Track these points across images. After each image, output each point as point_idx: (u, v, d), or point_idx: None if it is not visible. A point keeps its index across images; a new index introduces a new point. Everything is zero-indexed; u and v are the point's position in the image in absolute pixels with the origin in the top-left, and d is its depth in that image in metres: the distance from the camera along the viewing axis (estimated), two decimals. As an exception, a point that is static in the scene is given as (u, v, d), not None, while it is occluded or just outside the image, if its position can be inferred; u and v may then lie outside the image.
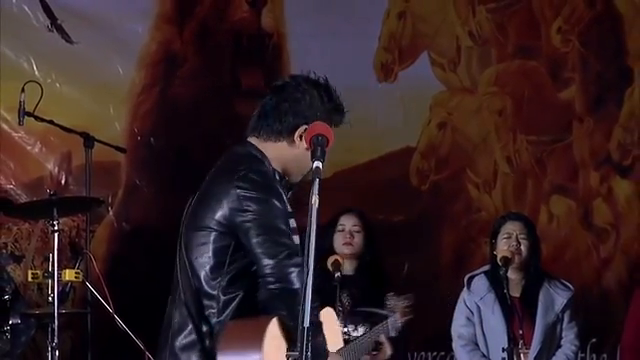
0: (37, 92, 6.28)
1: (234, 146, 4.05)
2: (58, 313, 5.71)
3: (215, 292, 3.81)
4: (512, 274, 5.98)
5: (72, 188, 6.87)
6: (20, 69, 6.81)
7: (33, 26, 6.92)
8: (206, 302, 3.83)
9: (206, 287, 3.83)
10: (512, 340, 5.74)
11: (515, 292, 5.96)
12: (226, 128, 7.33)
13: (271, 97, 3.99)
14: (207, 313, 3.82)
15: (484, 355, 5.95)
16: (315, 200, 3.47)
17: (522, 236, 6.01)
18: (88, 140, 6.42)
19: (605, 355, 7.47)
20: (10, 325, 5.71)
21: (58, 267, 5.80)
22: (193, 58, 7.26)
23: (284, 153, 3.95)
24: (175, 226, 7.16)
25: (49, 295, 5.83)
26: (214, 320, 3.80)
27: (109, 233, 7.04)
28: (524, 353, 5.86)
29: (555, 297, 6.00)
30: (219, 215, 3.83)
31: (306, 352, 3.36)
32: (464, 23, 7.78)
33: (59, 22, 6.95)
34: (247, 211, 3.76)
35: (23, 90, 6.24)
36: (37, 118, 6.31)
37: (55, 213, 5.80)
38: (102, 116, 7.02)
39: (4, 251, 6.74)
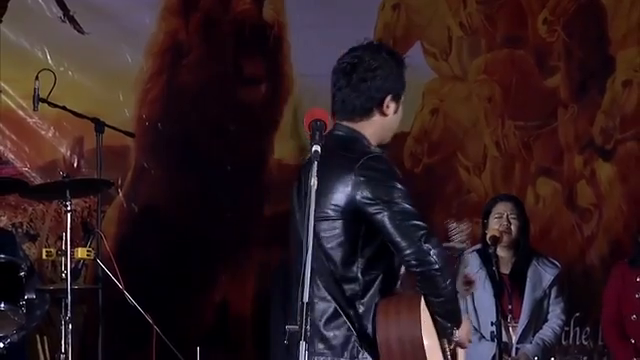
0: (51, 80, 6.25)
1: (334, 132, 3.91)
2: (71, 289, 5.70)
3: (354, 275, 3.77)
4: (502, 252, 5.97)
5: (84, 171, 6.85)
6: (34, 58, 6.78)
7: (47, 17, 6.89)
8: (346, 286, 3.77)
9: (344, 271, 3.78)
10: (501, 314, 5.74)
11: (505, 269, 5.96)
12: (229, 114, 7.31)
13: (345, 78, 3.92)
14: (349, 295, 3.78)
15: (475, 328, 5.94)
16: (314, 182, 3.45)
17: (512, 216, 6.01)
18: (99, 125, 6.40)
19: (588, 328, 7.47)
20: (26, 300, 5.70)
21: (71, 245, 5.79)
22: (198, 47, 7.23)
23: (378, 126, 3.92)
24: (181, 206, 7.21)
25: (62, 272, 5.82)
26: (357, 302, 3.77)
27: (119, 213, 7.02)
28: (512, 327, 5.87)
29: (543, 274, 5.99)
30: (345, 203, 3.75)
31: (305, 326, 3.34)
32: (455, 14, 7.76)
33: (71, 13, 6.92)
34: (377, 199, 3.71)
35: (37, 78, 6.22)
36: (51, 104, 6.29)
37: (68, 194, 5.79)
38: (112, 102, 6.99)
39: (20, 230, 6.73)
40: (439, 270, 3.69)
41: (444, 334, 3.82)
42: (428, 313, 3.76)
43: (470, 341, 3.97)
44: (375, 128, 3.91)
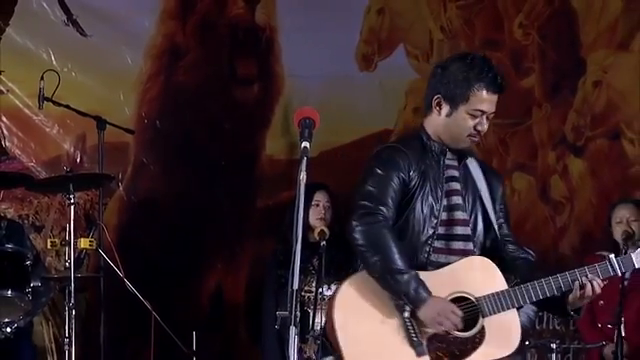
0: (55, 80, 6.26)
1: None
2: (74, 277, 5.69)
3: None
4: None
5: (86, 166, 6.85)
6: (40, 59, 6.77)
7: (51, 21, 6.87)
8: None
9: None
10: (479, 301, 5.73)
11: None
12: (224, 112, 7.31)
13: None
14: None
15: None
16: (303, 176, 3.46)
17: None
18: (100, 123, 6.40)
19: (560, 314, 7.48)
20: (32, 287, 5.69)
21: (74, 236, 5.79)
22: (194, 49, 7.22)
23: (433, 123, 4.02)
24: (178, 199, 7.20)
25: (66, 261, 5.82)
26: None
27: (119, 206, 7.01)
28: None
29: (518, 263, 5.99)
30: None
31: (295, 312, 3.34)
32: (436, 18, 7.76)
33: (74, 17, 6.91)
34: (359, 180, 3.95)
35: (42, 78, 6.22)
36: (55, 103, 6.29)
37: (71, 188, 5.79)
38: (113, 101, 6.99)
39: (26, 222, 6.72)
40: (362, 246, 3.80)
41: (401, 308, 3.81)
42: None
43: (441, 323, 3.79)
44: (431, 125, 4.02)
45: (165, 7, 7.18)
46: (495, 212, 4.07)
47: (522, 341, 5.99)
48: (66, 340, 5.74)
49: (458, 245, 3.96)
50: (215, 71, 7.27)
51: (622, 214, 6.21)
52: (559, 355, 6.12)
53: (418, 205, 3.90)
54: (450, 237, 3.96)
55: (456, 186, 3.98)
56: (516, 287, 3.92)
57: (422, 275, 3.83)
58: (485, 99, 3.93)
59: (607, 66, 7.82)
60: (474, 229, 4.00)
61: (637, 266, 4.00)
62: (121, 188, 7.02)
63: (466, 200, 4.00)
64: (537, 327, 7.25)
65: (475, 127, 3.94)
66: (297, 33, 7.34)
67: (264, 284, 6.01)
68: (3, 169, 6.57)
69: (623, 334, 5.79)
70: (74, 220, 5.79)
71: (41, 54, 6.82)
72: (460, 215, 3.97)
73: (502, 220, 4.15)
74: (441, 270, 3.89)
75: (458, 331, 3.82)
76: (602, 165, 7.78)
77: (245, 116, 7.33)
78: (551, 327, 7.49)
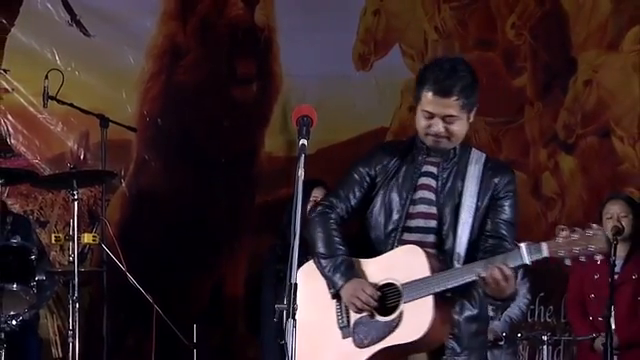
0: (59, 79, 6.26)
1: None
2: (78, 271, 5.71)
3: None
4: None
5: (89, 163, 6.85)
6: (44, 59, 6.77)
7: (55, 21, 6.88)
8: None
9: None
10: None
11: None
12: (223, 111, 7.32)
13: None
14: None
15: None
16: (301, 173, 3.47)
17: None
18: (103, 121, 6.41)
19: (551, 306, 7.51)
20: (36, 281, 5.70)
21: (77, 231, 5.80)
22: (195, 49, 7.23)
23: None
24: (179, 195, 7.21)
25: (70, 255, 5.84)
26: None
27: (122, 202, 7.02)
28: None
29: (510, 257, 6.00)
30: None
31: (293, 305, 3.35)
32: (430, 19, 7.78)
33: (78, 18, 6.91)
34: None
35: (47, 77, 6.23)
36: (59, 101, 6.30)
37: (75, 184, 5.80)
38: (116, 100, 6.99)
39: (31, 217, 6.73)
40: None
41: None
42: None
43: (354, 303, 3.82)
44: None
45: (166, 8, 7.19)
46: (478, 209, 3.95)
47: (514, 333, 6.08)
48: (70, 332, 5.76)
49: (419, 237, 3.92)
50: (215, 70, 7.28)
51: (612, 210, 6.22)
52: (550, 347, 6.15)
53: (382, 198, 3.94)
54: (411, 229, 3.94)
55: (427, 181, 3.94)
56: (434, 274, 3.81)
57: (360, 261, 3.91)
58: (430, 101, 3.84)
59: (597, 65, 7.85)
60: (441, 223, 3.93)
61: (545, 255, 3.97)
62: (123, 184, 7.03)
63: (440, 195, 3.94)
64: (529, 319, 7.28)
65: (429, 127, 3.89)
66: (295, 33, 7.35)
67: (262, 278, 6.02)
68: (9, 166, 6.58)
69: (613, 327, 5.80)
70: (78, 216, 5.80)
71: (45, 54, 6.83)
72: (423, 208, 3.93)
73: (495, 217, 4.02)
74: (380, 257, 3.91)
75: (378, 314, 3.83)
76: (592, 162, 7.81)
77: (244, 114, 7.34)
78: (542, 320, 7.51)
